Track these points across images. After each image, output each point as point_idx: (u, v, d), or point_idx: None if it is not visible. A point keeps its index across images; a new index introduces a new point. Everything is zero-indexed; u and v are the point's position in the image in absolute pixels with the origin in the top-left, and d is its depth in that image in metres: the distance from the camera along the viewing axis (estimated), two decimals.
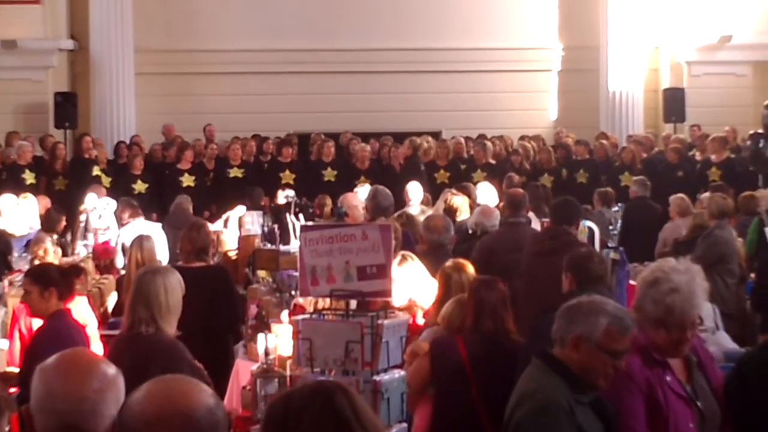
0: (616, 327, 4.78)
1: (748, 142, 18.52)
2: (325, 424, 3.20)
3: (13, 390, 7.13)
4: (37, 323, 7.64)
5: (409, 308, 7.41)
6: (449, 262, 7.77)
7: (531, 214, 11.78)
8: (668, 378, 5.02)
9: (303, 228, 6.29)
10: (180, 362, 6.28)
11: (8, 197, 14.46)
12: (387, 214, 11.10)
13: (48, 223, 13.59)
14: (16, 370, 7.85)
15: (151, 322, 6.37)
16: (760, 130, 18.60)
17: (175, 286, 6.53)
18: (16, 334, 8.70)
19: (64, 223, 13.85)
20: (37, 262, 9.73)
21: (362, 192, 14.05)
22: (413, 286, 7.74)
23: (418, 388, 6.41)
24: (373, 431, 3.31)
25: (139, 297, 6.46)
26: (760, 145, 18.21)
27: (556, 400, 4.70)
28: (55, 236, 12.69)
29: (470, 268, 7.64)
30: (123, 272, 11.37)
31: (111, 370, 3.26)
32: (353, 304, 5.45)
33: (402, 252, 8.13)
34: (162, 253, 11.51)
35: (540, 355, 4.97)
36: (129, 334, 6.48)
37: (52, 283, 7.30)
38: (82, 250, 13.44)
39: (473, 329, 6.51)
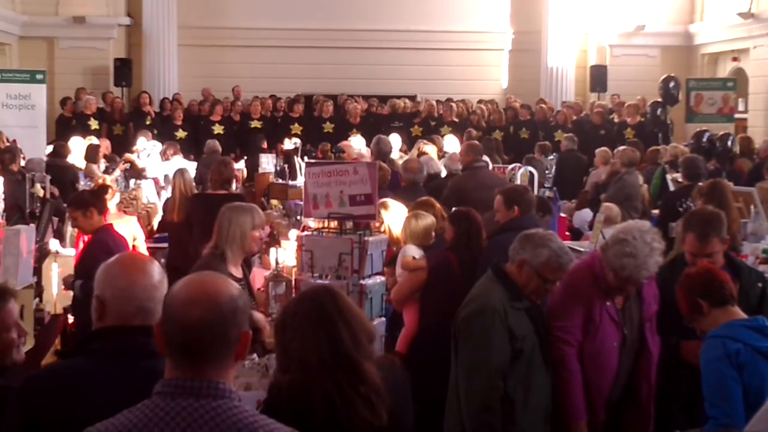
0: (554, 262, 4.74)
1: (649, 109, 18.44)
2: (311, 317, 3.29)
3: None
4: None
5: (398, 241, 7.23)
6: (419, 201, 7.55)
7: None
8: (608, 303, 4.95)
9: (308, 164, 6.23)
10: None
11: (76, 139, 14.36)
12: (387, 157, 11.02)
13: (90, 156, 13.47)
14: None
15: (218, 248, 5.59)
16: (659, 99, 18.51)
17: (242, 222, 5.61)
18: (81, 245, 8.64)
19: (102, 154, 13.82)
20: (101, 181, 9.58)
21: (354, 140, 13.97)
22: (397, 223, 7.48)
23: (410, 294, 6.31)
24: (354, 322, 3.34)
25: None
26: (658, 111, 18.11)
27: (492, 304, 4.67)
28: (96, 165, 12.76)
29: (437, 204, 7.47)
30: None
31: (159, 266, 3.25)
32: (347, 223, 5.41)
33: (380, 201, 7.84)
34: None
35: (493, 267, 4.92)
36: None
37: (89, 203, 7.17)
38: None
39: (455, 246, 6.38)
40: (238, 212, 5.43)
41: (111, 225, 7.32)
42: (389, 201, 7.55)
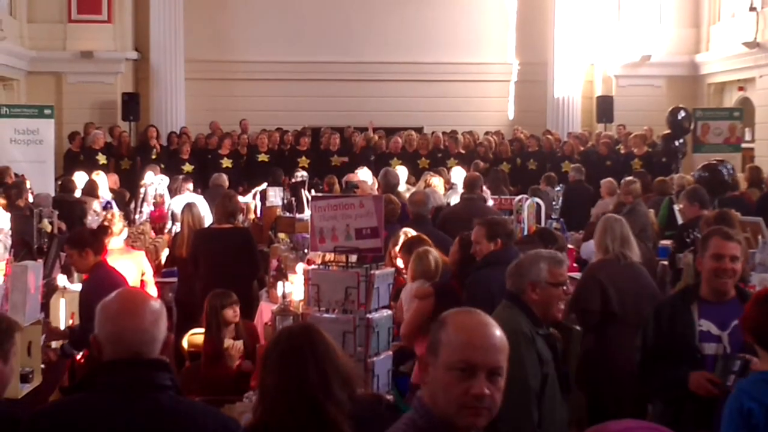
0: (554, 264, 4.80)
1: (656, 140, 18.44)
2: (285, 356, 3.34)
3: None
4: None
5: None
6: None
7: (487, 192, 11.85)
8: None
9: (314, 198, 6.26)
10: None
11: (81, 174, 14.39)
12: (394, 190, 11.09)
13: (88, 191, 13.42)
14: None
15: None
16: (668, 131, 18.54)
17: None
18: None
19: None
20: (106, 223, 9.54)
21: (361, 173, 14.00)
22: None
23: (419, 325, 6.31)
24: (328, 364, 3.34)
25: None
26: (677, 143, 18.18)
27: (521, 328, 4.66)
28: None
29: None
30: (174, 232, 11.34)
31: (157, 304, 3.24)
32: (352, 257, 5.42)
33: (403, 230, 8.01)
34: (207, 218, 11.44)
35: (507, 296, 4.90)
36: None
37: (86, 244, 7.09)
38: (145, 211, 13.57)
39: (461, 269, 6.52)
40: None
41: (105, 261, 7.25)
42: (409, 230, 7.66)
